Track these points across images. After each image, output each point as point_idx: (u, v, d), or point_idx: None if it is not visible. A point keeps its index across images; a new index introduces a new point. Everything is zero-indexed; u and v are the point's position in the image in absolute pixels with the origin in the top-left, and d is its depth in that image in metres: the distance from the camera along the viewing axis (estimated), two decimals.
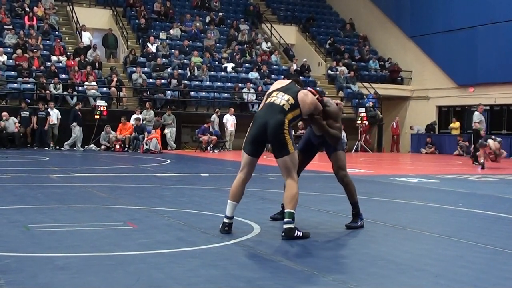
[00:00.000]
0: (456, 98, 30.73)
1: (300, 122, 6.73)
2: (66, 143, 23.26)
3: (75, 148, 23.13)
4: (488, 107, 30.08)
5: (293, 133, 29.05)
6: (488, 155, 18.84)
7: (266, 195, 9.46)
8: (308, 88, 6.76)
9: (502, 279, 4.69)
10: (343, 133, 6.37)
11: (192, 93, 27.19)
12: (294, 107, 6.18)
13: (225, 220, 6.21)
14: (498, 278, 4.71)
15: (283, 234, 6.03)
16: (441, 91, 31.33)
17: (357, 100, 30.52)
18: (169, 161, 18.08)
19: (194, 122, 25.90)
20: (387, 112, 32.32)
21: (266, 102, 6.31)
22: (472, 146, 20.58)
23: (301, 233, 6.04)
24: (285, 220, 6.05)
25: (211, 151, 24.13)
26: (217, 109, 26.08)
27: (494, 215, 8.39)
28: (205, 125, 24.69)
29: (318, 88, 29.57)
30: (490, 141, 18.93)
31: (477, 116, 20.62)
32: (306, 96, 6.30)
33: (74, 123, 23.14)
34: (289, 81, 6.61)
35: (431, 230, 6.80)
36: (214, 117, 25.47)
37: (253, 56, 31.53)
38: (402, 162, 22.83)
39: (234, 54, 30.64)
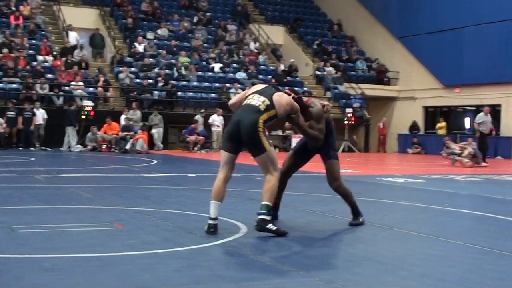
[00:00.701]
0: (442, 98, 30.88)
1: (287, 123, 6.74)
2: (74, 145, 23.14)
3: (71, 149, 22.94)
4: (473, 108, 30.26)
5: (280, 133, 28.97)
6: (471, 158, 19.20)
7: (253, 195, 9.46)
8: (285, 89, 6.84)
9: (489, 279, 4.71)
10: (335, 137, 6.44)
11: (179, 93, 27.13)
12: (269, 107, 6.32)
13: (209, 221, 6.21)
14: (484, 278, 4.73)
15: (256, 224, 6.15)
16: (428, 92, 31.45)
17: (344, 100, 30.58)
18: (155, 162, 18.03)
19: (181, 122, 25.85)
20: (374, 113, 32.42)
21: (243, 103, 6.46)
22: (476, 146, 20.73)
23: (275, 228, 6.12)
24: (260, 211, 6.15)
25: (198, 152, 24.09)
26: (202, 110, 26.06)
27: (480, 215, 8.43)
28: (192, 125, 24.65)
29: (305, 89, 29.64)
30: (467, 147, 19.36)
31: (478, 117, 20.89)
32: (280, 97, 6.43)
33: (71, 127, 23.07)
34: (266, 85, 6.75)
35: (417, 230, 6.82)
36: (199, 117, 25.44)
37: (241, 56, 31.52)
38: (388, 162, 22.91)
39: (222, 54, 30.61)
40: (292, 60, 32.20)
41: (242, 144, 6.37)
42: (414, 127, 31.42)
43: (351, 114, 28.58)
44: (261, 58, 32.07)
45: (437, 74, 31.00)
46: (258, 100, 6.36)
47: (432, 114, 32.48)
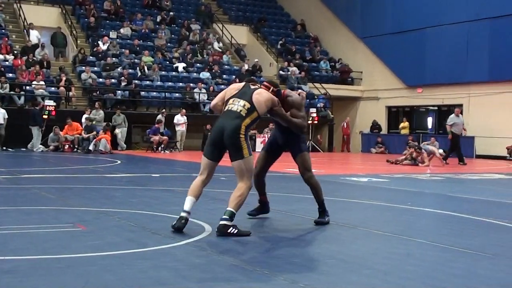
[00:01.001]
0: (405, 98, 31.21)
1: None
2: (37, 145, 22.79)
3: (33, 150, 22.60)
4: (436, 108, 30.66)
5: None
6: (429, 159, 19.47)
7: (217, 196, 9.44)
8: (264, 82, 6.90)
9: (451, 276, 4.77)
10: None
11: (142, 93, 26.97)
12: (251, 110, 6.39)
13: (182, 213, 6.30)
14: (446, 275, 4.79)
15: (216, 230, 6.18)
16: (391, 92, 31.77)
17: (308, 100, 30.69)
18: (119, 162, 17.90)
19: (145, 122, 25.71)
20: (337, 113, 32.62)
21: (224, 109, 6.51)
22: (449, 147, 20.83)
23: (236, 231, 6.14)
24: (223, 216, 6.19)
25: (162, 152, 23.98)
26: (163, 109, 25.94)
27: (443, 213, 8.54)
28: (156, 125, 24.52)
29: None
30: (433, 148, 19.56)
31: (449, 119, 21.03)
32: (260, 95, 6.49)
33: (36, 127, 22.72)
34: (243, 83, 6.74)
35: (381, 229, 6.88)
36: (160, 117, 25.33)
37: (205, 56, 31.45)
38: (352, 162, 23.07)
39: (186, 54, 30.51)
40: (256, 60, 32.24)
41: (223, 151, 6.43)
42: (375, 126, 31.69)
43: (315, 114, 28.71)
44: (225, 58, 32.04)
45: (399, 74, 31.34)
46: (238, 105, 6.41)
47: (395, 113, 32.82)
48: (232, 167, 6.37)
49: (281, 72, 32.43)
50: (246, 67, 31.12)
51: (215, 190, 10.02)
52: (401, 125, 30.81)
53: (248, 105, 6.39)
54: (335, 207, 8.48)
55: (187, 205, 6.32)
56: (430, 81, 29.55)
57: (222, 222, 6.16)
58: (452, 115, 21.27)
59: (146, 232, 6.27)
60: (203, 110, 27.30)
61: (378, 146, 29.57)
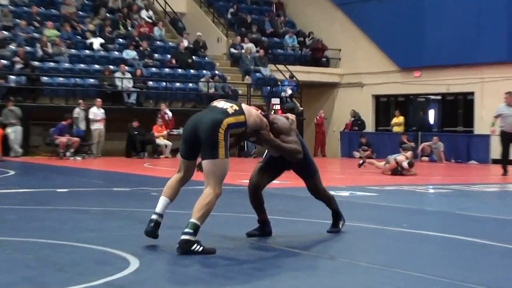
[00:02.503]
0: (398, 85, 31.48)
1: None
2: None
3: None
4: (439, 97, 31.01)
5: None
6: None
7: (146, 217, 9.37)
8: (251, 106, 7.84)
9: None
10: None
11: (45, 78, 26.74)
12: (239, 112, 7.11)
13: (153, 216, 7.12)
14: None
15: (177, 246, 6.71)
16: (379, 76, 32.01)
17: (269, 88, 30.78)
18: (12, 172, 17.73)
19: (48, 118, 25.44)
20: (309, 104, 32.75)
21: (208, 107, 7.38)
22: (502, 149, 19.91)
23: (201, 248, 6.69)
24: (185, 230, 6.70)
25: (72, 158, 23.78)
26: (80, 100, 25.71)
27: (448, 237, 8.60)
28: (64, 122, 24.29)
29: (216, 72, 29.67)
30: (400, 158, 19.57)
31: (497, 109, 19.84)
32: (250, 108, 7.39)
33: None
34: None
35: (367, 260, 6.90)
36: (79, 112, 25.06)
37: (129, 28, 31.30)
38: (329, 170, 23.16)
39: (103, 26, 30.30)
40: (199, 33, 32.19)
41: (199, 148, 7.03)
42: (356, 121, 31.65)
43: (278, 105, 28.75)
44: (157, 32, 31.95)
45: (390, 53, 31.60)
46: (225, 104, 7.19)
47: (385, 105, 33.10)
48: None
49: (232, 50, 32.46)
50: (185, 43, 31.06)
51: (144, 209, 9.95)
52: (394, 120, 30.92)
53: (236, 107, 7.14)
54: (307, 231, 8.50)
55: (159, 207, 7.12)
56: (430, 62, 29.84)
57: (184, 237, 6.68)
58: (502, 105, 19.79)
59: (49, 269, 6.20)
60: (127, 101, 27.15)
61: (363, 148, 29.65)
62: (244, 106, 7.31)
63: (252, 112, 7.31)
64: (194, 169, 7.26)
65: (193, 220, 6.72)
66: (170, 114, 27.25)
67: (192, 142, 7.02)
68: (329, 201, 8.60)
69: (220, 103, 7.24)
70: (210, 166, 6.85)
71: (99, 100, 25.82)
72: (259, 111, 7.54)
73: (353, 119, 31.99)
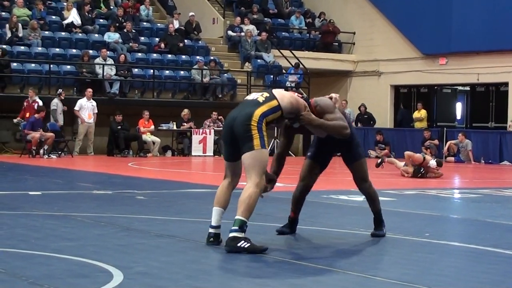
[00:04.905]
0: (421, 74, 31.41)
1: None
2: None
3: None
4: (467, 88, 30.98)
5: (174, 127, 28.85)
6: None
7: (132, 224, 9.39)
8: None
9: None
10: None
11: (14, 64, 26.74)
12: (269, 99, 7.80)
13: (210, 230, 7.78)
14: None
15: (225, 244, 7.51)
16: (399, 64, 31.95)
17: (272, 76, 30.77)
18: None
19: (17, 110, 25.42)
20: (317, 95, 32.57)
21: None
22: None
23: (248, 245, 7.39)
24: (232, 227, 7.45)
25: (45, 156, 23.77)
26: (60, 90, 25.66)
27: (477, 249, 8.62)
28: (36, 115, 24.27)
29: (211, 58, 29.67)
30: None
31: None
32: (282, 91, 8.10)
33: None
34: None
35: (382, 274, 6.92)
36: (57, 103, 25.05)
37: (112, 7, 31.27)
38: (340, 171, 23.12)
39: (82, 4, 30.27)
40: (192, 14, 32.10)
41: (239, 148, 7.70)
42: (368, 118, 31.54)
43: None
44: (143, 11, 31.90)
45: (412, 38, 31.55)
46: (256, 95, 7.98)
47: (407, 97, 33.02)
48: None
49: (230, 32, 32.39)
50: (176, 24, 30.99)
51: (129, 215, 9.99)
52: (415, 114, 30.85)
53: (267, 94, 7.90)
54: (317, 241, 8.52)
55: (214, 219, 7.78)
56: (458, 48, 29.79)
57: (231, 234, 7.46)
58: None
59: (21, 282, 6.21)
60: (110, 91, 27.14)
61: (380, 147, 29.57)
62: (275, 90, 8.04)
63: (285, 94, 7.99)
64: (240, 171, 7.91)
65: (238, 216, 7.47)
66: (40, 102, 25.19)
67: (232, 142, 7.76)
68: (374, 199, 9.00)
69: (251, 96, 8.06)
70: (248, 159, 7.56)
71: (89, 90, 25.80)
72: (296, 94, 8.21)
73: (358, 112, 31.94)
